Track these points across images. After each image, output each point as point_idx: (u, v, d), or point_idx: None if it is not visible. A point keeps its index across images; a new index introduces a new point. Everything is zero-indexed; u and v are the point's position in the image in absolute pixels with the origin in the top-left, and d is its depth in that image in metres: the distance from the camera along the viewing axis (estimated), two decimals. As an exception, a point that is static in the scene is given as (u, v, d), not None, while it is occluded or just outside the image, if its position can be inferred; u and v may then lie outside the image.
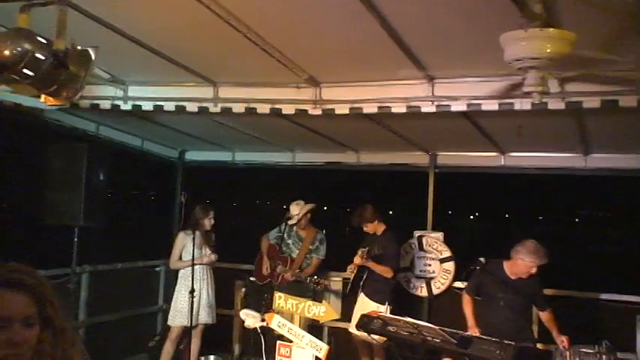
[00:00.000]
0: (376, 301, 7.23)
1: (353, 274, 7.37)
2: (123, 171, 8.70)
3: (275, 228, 8.23)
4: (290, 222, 7.91)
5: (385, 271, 7.19)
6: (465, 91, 5.27)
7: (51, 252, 8.57)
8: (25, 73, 2.42)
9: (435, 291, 8.21)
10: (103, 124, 8.18)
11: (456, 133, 7.18)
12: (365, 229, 7.56)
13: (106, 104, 6.39)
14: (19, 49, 2.39)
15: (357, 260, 7.23)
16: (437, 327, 5.16)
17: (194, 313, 7.18)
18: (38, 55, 2.43)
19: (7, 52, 2.39)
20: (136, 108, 6.36)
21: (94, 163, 7.04)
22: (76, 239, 7.26)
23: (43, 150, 7.36)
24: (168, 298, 8.07)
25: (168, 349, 7.58)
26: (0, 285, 1.89)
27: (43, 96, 2.65)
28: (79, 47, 2.59)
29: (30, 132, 9.23)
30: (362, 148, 8.87)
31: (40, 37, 2.46)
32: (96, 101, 6.39)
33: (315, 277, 7.59)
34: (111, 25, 4.55)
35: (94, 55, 2.66)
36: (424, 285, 8.26)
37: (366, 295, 7.37)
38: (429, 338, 5.14)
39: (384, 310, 6.97)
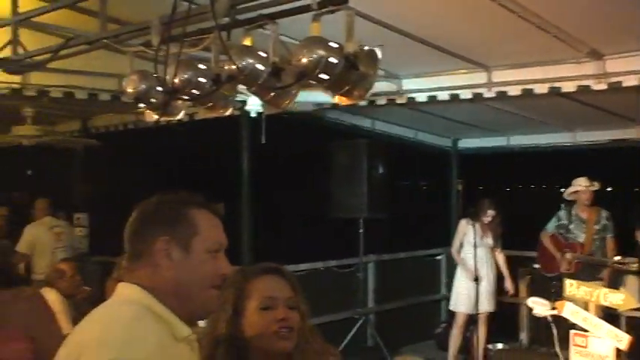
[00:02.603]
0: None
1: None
2: (398, 163, 8.96)
3: (552, 219, 7.78)
4: (567, 196, 7.43)
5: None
6: None
7: (338, 244, 9.13)
8: (321, 78, 2.62)
9: None
10: (378, 119, 8.51)
11: None
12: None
13: (381, 100, 6.62)
14: (314, 55, 2.60)
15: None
16: None
17: (476, 301, 7.16)
18: (331, 60, 2.60)
19: (304, 60, 2.60)
20: (411, 100, 6.49)
21: (374, 158, 7.36)
22: (361, 230, 7.65)
23: (326, 148, 7.87)
24: (451, 286, 8.13)
25: (455, 336, 7.63)
26: (266, 271, 2.10)
27: (337, 97, 2.84)
28: (365, 48, 2.73)
29: (314, 133, 9.91)
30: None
31: (332, 42, 2.63)
32: (372, 98, 6.64)
33: (619, 257, 7.01)
34: (382, 22, 4.72)
35: (380, 54, 2.78)
36: None
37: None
38: None
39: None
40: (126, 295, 1.71)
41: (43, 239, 8.12)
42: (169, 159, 16.33)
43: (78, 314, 5.28)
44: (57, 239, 8.24)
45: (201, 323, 2.01)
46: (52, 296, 5.32)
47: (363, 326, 7.75)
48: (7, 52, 4.28)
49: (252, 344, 2.00)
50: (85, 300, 5.80)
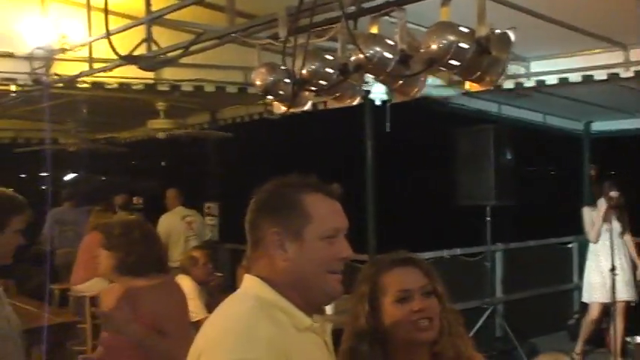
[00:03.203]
0: None
1: None
2: (526, 148, 8.68)
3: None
4: None
5: None
6: None
7: (464, 232, 8.96)
8: (452, 64, 2.56)
9: None
10: (504, 103, 8.24)
11: None
12: None
13: (509, 83, 6.40)
14: (444, 41, 2.54)
15: None
16: None
17: (612, 290, 6.79)
18: (462, 45, 2.53)
19: (434, 47, 2.55)
20: (540, 83, 6.25)
21: (501, 143, 7.15)
22: (488, 218, 7.46)
23: (451, 135, 7.72)
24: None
25: (588, 327, 7.30)
26: (397, 263, 2.07)
27: (467, 83, 2.76)
28: (497, 31, 2.63)
29: (437, 119, 9.76)
30: None
31: (462, 26, 2.56)
32: (499, 82, 6.43)
33: None
34: (509, 3, 4.55)
35: (513, 36, 2.68)
36: None
37: None
38: None
39: None
40: (247, 288, 1.71)
41: (177, 228, 8.50)
42: (295, 148, 16.60)
43: (211, 300, 5.49)
44: (189, 228, 8.60)
45: (328, 309, 2.02)
46: (186, 283, 5.54)
47: (492, 316, 7.57)
48: (141, 50, 4.48)
49: (393, 337, 1.99)
50: (218, 287, 6.01)
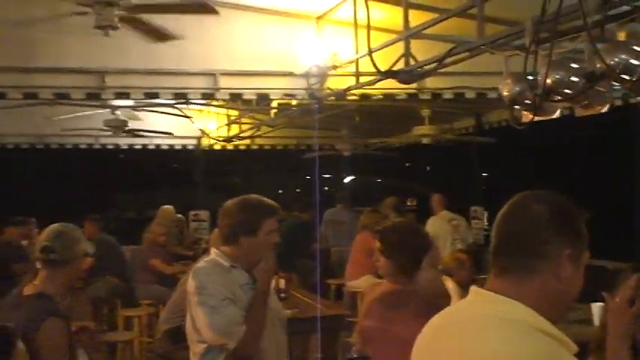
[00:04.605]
0: None
1: None
2: None
3: None
4: None
5: None
6: None
7: None
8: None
9: None
10: None
11: None
12: None
13: None
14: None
15: None
16: None
17: None
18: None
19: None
20: None
21: None
22: None
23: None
24: None
25: None
26: None
27: None
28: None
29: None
30: None
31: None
32: None
33: None
34: None
35: None
36: None
37: None
38: None
39: None
40: (505, 311, 1.52)
41: (443, 231, 8.72)
42: (559, 154, 15.82)
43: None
44: (454, 231, 8.77)
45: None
46: (449, 285, 5.70)
47: None
48: (400, 64, 4.79)
49: None
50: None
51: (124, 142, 11.32)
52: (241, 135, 10.26)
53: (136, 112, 8.80)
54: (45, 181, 17.41)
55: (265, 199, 3.18)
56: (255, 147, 11.93)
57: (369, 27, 4.97)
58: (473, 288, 1.66)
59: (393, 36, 5.16)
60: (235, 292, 3.02)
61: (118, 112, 8.57)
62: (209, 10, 4.97)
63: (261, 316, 3.05)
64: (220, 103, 8.22)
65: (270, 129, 9.84)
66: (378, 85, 5.66)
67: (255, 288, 3.07)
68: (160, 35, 4.99)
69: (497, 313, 1.52)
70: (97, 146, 11.49)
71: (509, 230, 1.60)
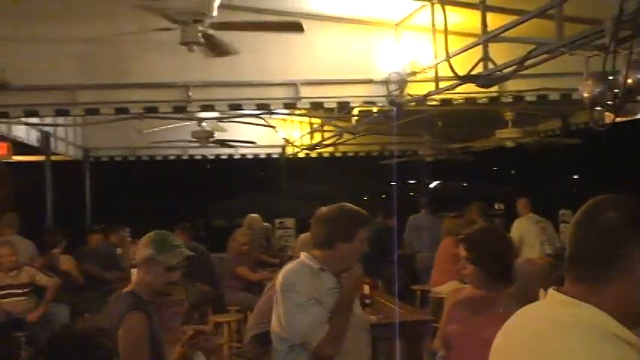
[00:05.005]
0: None
1: None
2: None
3: None
4: None
5: None
6: None
7: None
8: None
9: None
10: None
11: None
12: None
13: None
14: None
15: None
16: None
17: None
18: None
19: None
20: None
21: None
22: None
23: None
24: None
25: None
26: None
27: None
28: None
29: None
30: None
31: None
32: None
33: None
34: None
35: None
36: None
37: None
38: None
39: None
40: (581, 316, 1.50)
41: (531, 232, 8.58)
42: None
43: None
44: (542, 232, 8.62)
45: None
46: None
47: None
48: (478, 68, 4.76)
49: None
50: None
51: (210, 152, 11.72)
52: (324, 142, 10.39)
53: (222, 124, 9.07)
54: (137, 192, 18.10)
55: (360, 209, 3.30)
56: (338, 154, 12.07)
57: (446, 32, 4.97)
58: (551, 291, 1.64)
59: (471, 40, 5.13)
60: (322, 295, 3.11)
61: (204, 124, 8.86)
62: (295, 28, 5.07)
63: (345, 320, 3.12)
64: (302, 112, 8.37)
65: (352, 136, 9.92)
66: (459, 89, 5.64)
67: (341, 292, 3.16)
68: (221, 50, 5.08)
69: (574, 317, 1.51)
70: (185, 157, 11.93)
71: (581, 239, 1.58)
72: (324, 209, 3.31)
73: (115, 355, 2.51)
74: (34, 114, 6.25)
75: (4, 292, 6.84)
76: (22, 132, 8.08)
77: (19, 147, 8.46)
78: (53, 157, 9.73)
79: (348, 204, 3.33)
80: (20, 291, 7.17)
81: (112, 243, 9.42)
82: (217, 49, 4.96)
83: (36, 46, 5.89)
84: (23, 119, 7.15)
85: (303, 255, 3.32)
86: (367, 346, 3.42)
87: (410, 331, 5.88)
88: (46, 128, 8.90)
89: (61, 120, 8.89)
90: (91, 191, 11.99)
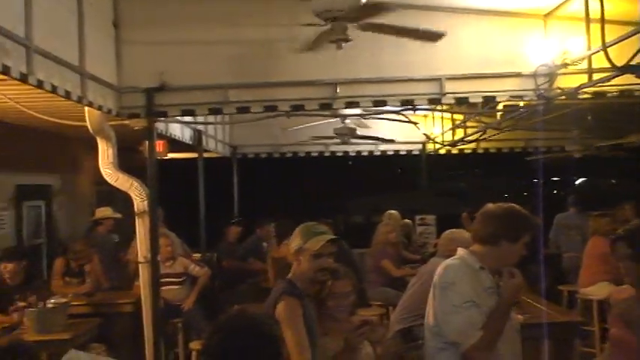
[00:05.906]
0: None
1: None
2: None
3: None
4: None
5: None
6: None
7: None
8: None
9: None
10: None
11: None
12: None
13: None
14: None
15: None
16: None
17: None
18: None
19: None
20: None
21: None
22: None
23: None
24: None
25: None
26: None
27: None
28: None
29: None
30: None
31: None
32: None
33: None
34: None
35: None
36: None
37: None
38: None
39: None
40: None
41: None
42: None
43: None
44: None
45: None
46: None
47: None
48: (638, 59, 4.50)
49: None
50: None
51: (351, 149, 11.88)
52: (466, 139, 10.22)
53: (364, 120, 9.16)
54: (280, 188, 18.65)
55: (530, 215, 3.32)
56: (480, 150, 11.85)
57: (603, 20, 4.74)
58: None
59: (629, 28, 4.86)
60: (480, 295, 3.12)
61: (347, 121, 8.98)
62: (436, 38, 5.06)
63: (501, 326, 3.12)
64: (445, 107, 8.28)
65: (496, 132, 9.69)
66: (614, 81, 5.37)
67: (500, 295, 3.15)
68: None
69: None
70: (327, 154, 12.16)
71: None
72: (492, 206, 3.33)
73: (282, 340, 2.63)
74: (191, 113, 6.58)
75: (162, 280, 7.33)
76: (177, 130, 8.53)
77: (173, 145, 8.88)
78: (204, 155, 10.17)
79: (516, 205, 3.32)
80: (176, 280, 7.65)
81: (259, 237, 9.79)
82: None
83: (191, 49, 6.22)
84: (178, 118, 7.53)
85: (461, 251, 3.33)
86: (519, 347, 3.40)
87: (559, 332, 5.71)
88: (198, 126, 9.35)
89: (211, 118, 9.34)
90: (238, 187, 12.48)
